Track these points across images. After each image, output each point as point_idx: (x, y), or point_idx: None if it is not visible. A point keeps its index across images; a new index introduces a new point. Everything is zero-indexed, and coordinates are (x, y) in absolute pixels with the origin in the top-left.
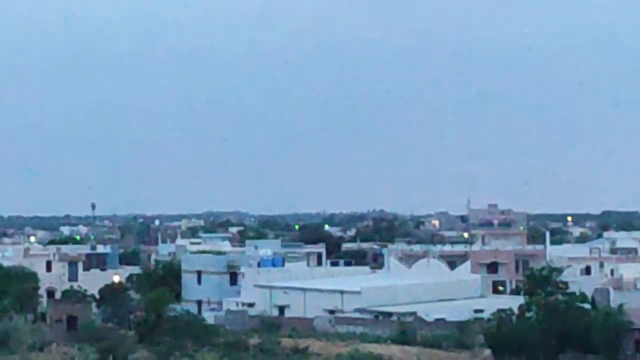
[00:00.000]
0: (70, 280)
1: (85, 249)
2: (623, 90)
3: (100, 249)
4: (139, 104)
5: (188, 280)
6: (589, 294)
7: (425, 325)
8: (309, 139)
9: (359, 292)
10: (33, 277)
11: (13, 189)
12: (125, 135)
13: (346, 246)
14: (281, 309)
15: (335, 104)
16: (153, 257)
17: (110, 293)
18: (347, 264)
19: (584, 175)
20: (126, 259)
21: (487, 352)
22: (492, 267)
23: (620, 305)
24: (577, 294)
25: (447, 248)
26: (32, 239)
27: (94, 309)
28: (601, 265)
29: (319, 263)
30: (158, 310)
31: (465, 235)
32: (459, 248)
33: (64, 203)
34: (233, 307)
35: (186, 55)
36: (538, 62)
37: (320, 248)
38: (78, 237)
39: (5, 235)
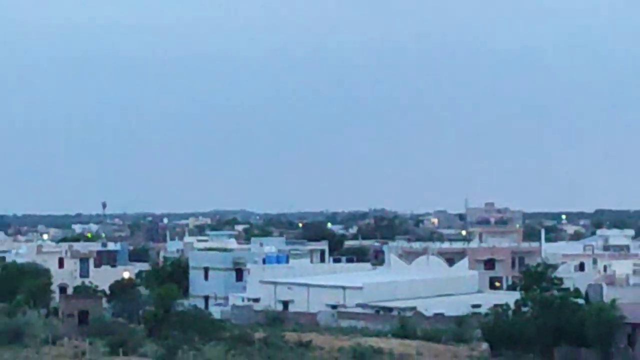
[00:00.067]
0: (81, 276)
1: (96, 246)
2: (618, 91)
3: (111, 246)
4: (149, 106)
5: (195, 276)
6: (582, 290)
7: (425, 320)
8: (312, 141)
9: (360, 288)
10: (46, 273)
11: (27, 189)
12: (134, 137)
13: (348, 243)
14: (285, 304)
15: (337, 107)
16: (162, 254)
17: (120, 289)
18: (349, 260)
19: (578, 175)
20: (136, 256)
21: (485, 345)
22: (489, 264)
23: (613, 301)
24: (572, 289)
25: (446, 245)
26: (45, 236)
27: (105, 304)
28: (594, 261)
29: (322, 260)
30: (166, 305)
31: (463, 232)
32: (457, 245)
33: (75, 202)
34: (239, 302)
35: (192, 57)
36: (536, 63)
37: (323, 245)
38: (89, 235)
39: (19, 233)
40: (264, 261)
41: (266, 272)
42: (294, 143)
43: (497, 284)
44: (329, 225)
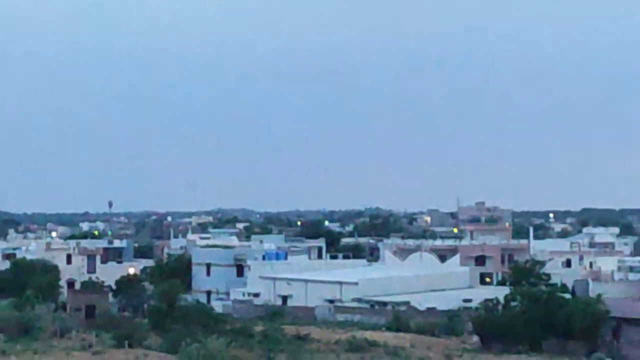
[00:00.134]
0: (88, 272)
1: (102, 244)
2: (603, 94)
3: (117, 243)
4: (153, 108)
5: (198, 272)
6: (569, 285)
7: (418, 314)
8: (311, 143)
9: (356, 283)
10: (54, 269)
11: (36, 189)
12: (140, 139)
13: (344, 241)
14: (284, 299)
15: (336, 110)
16: (165, 250)
17: (125, 284)
18: (346, 257)
19: (565, 176)
20: (141, 252)
21: (475, 338)
22: (480, 260)
23: (599, 295)
24: (559, 285)
25: (438, 242)
26: (54, 234)
27: (111, 299)
28: (581, 258)
29: (319, 256)
30: (170, 300)
31: (455, 230)
32: (449, 242)
33: (83, 201)
34: (239, 297)
35: (194, 58)
36: (526, 65)
37: (321, 242)
38: (96, 233)
39: (29, 230)
40: (263, 258)
41: (266, 268)
42: (293, 145)
43: (488, 279)
44: (326, 223)
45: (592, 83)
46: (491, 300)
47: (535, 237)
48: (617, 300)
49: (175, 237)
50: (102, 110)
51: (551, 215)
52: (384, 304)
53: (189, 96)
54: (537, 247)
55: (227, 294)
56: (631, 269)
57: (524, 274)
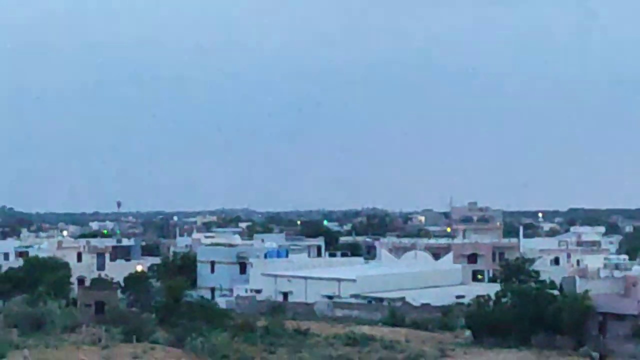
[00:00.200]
0: (98, 269)
1: (111, 242)
2: (589, 97)
3: (125, 242)
4: (160, 111)
5: (202, 269)
6: (557, 282)
7: (413, 309)
8: (310, 146)
9: (354, 280)
10: (65, 266)
11: (48, 190)
12: (147, 142)
13: (343, 239)
14: (285, 295)
15: (333, 116)
16: (172, 249)
17: (133, 281)
18: (344, 255)
19: (553, 177)
20: (148, 250)
21: (468, 333)
22: (472, 258)
23: (585, 292)
24: (547, 281)
25: (432, 241)
26: (65, 233)
27: (120, 295)
28: (568, 256)
29: (319, 254)
30: (176, 296)
31: (448, 229)
32: (443, 241)
33: (93, 201)
34: (242, 293)
35: (198, 61)
36: (514, 65)
37: (320, 241)
38: (105, 232)
39: (41, 230)
40: (265, 256)
41: (267, 266)
42: (293, 148)
43: (479, 276)
44: (325, 222)
45: (581, 87)
46: (483, 296)
47: (525, 236)
48: (603, 297)
49: (181, 236)
50: (109, 113)
51: (540, 215)
52: (381, 300)
53: (193, 100)
54: (527, 246)
55: (231, 290)
56: (616, 267)
57: (514, 272)
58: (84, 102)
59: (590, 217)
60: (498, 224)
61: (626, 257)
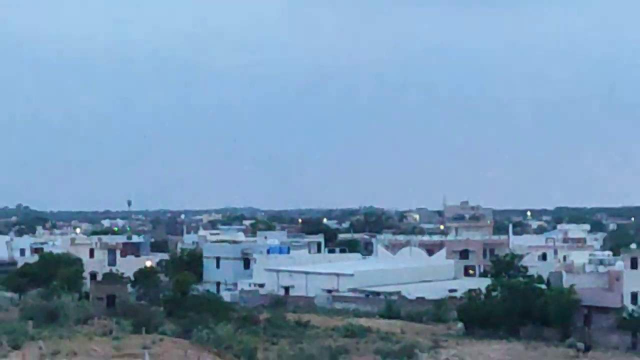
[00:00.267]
0: (109, 265)
1: (122, 239)
2: (577, 96)
3: (135, 238)
4: (162, 116)
5: (208, 264)
6: (545, 277)
7: (408, 303)
8: (310, 148)
9: (352, 275)
10: (78, 262)
11: (62, 189)
12: (156, 143)
13: (341, 236)
14: (286, 289)
15: (332, 119)
16: (179, 245)
17: (143, 276)
18: (342, 251)
19: (541, 177)
20: (157, 247)
21: (460, 325)
22: (464, 254)
23: (571, 286)
24: (535, 276)
25: (426, 238)
26: (78, 230)
27: (130, 289)
28: (555, 252)
29: (319, 250)
30: (183, 290)
31: (441, 227)
32: (436, 238)
33: (104, 200)
34: (246, 288)
35: (205, 65)
36: (504, 68)
37: (320, 238)
38: (116, 229)
39: (55, 227)
40: (268, 252)
41: (270, 261)
42: (294, 150)
43: (471, 271)
44: (325, 220)
45: (568, 86)
46: (474, 290)
47: (514, 233)
48: (588, 290)
49: (188, 233)
50: (119, 115)
51: (528, 213)
52: (377, 293)
53: (197, 104)
54: (516, 242)
55: (235, 284)
56: (601, 262)
57: (503, 267)
58: (98, 111)
59: (576, 216)
60: (488, 221)
61: (610, 253)
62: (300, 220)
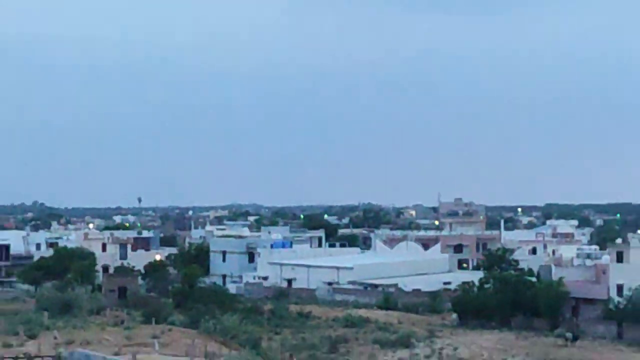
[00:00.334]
0: (121, 258)
1: (133, 234)
2: (567, 96)
3: (145, 233)
4: (167, 115)
5: (215, 258)
6: (535, 270)
7: (405, 295)
8: (312, 147)
9: (351, 268)
10: (91, 256)
11: (76, 186)
12: (165, 143)
13: (341, 231)
14: (289, 282)
15: (333, 119)
16: (187, 240)
17: (153, 269)
18: (342, 245)
19: (531, 175)
20: (166, 241)
21: (454, 315)
22: (458, 248)
23: (560, 279)
24: (526, 269)
25: (422, 233)
26: (91, 225)
27: (140, 282)
28: (545, 246)
29: (320, 245)
30: (191, 282)
31: (436, 222)
32: (431, 233)
33: (116, 197)
34: (251, 280)
35: (207, 66)
36: (496, 67)
37: (321, 233)
38: (127, 224)
39: (69, 222)
40: (271, 246)
41: (273, 255)
42: (296, 148)
43: (465, 265)
44: (326, 216)
45: (563, 85)
46: (467, 283)
47: (506, 229)
48: (576, 283)
49: (196, 228)
50: (130, 120)
51: (519, 209)
52: (375, 286)
53: (203, 104)
54: (507, 237)
55: (240, 277)
56: (588, 256)
57: (495, 260)
58: (107, 112)
59: (564, 212)
60: (481, 217)
61: (597, 247)
62: (302, 216)
